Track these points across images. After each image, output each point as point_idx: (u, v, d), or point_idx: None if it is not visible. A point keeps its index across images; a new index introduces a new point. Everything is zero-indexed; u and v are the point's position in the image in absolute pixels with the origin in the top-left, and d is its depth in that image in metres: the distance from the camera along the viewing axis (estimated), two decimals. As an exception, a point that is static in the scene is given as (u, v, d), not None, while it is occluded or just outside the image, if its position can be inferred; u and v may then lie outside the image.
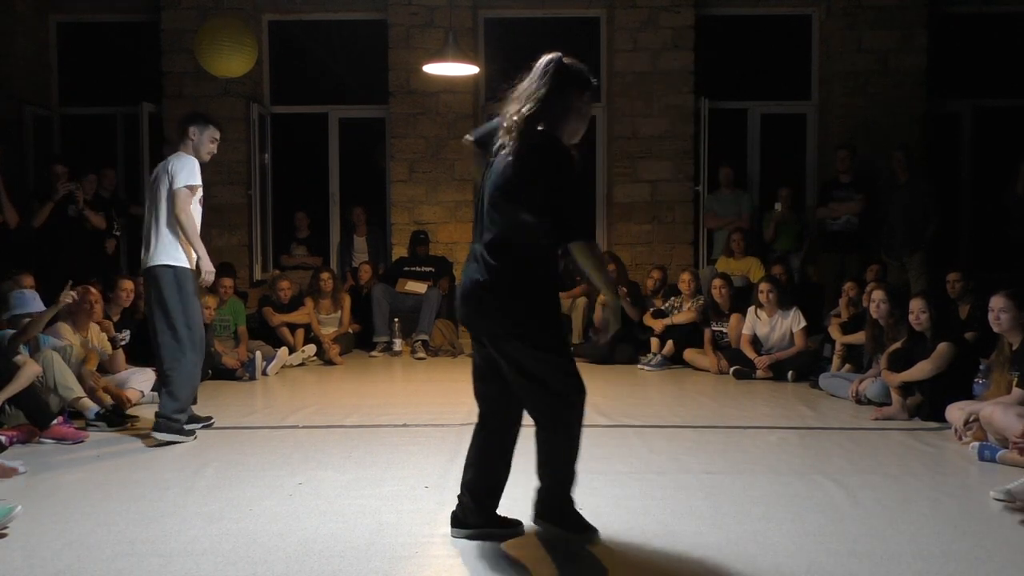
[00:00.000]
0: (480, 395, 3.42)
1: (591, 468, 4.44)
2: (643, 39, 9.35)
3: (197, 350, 5.05)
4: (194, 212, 5.04)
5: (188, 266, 5.01)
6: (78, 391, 5.38)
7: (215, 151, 5.22)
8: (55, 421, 5.10)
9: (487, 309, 3.23)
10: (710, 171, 9.28)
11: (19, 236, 7.47)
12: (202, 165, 5.06)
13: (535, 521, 3.42)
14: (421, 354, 8.29)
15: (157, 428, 4.92)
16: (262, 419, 5.70)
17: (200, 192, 5.10)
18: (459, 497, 3.44)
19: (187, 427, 5.04)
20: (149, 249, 5.00)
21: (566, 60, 3.29)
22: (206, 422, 5.31)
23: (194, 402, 5.29)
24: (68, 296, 5.44)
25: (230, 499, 3.91)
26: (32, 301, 5.51)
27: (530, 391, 3.25)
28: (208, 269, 5.06)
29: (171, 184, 4.94)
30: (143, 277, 5.16)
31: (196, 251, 5.01)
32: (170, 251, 4.96)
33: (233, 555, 3.24)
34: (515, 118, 3.22)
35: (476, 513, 3.39)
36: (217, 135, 5.20)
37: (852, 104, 9.22)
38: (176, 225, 4.94)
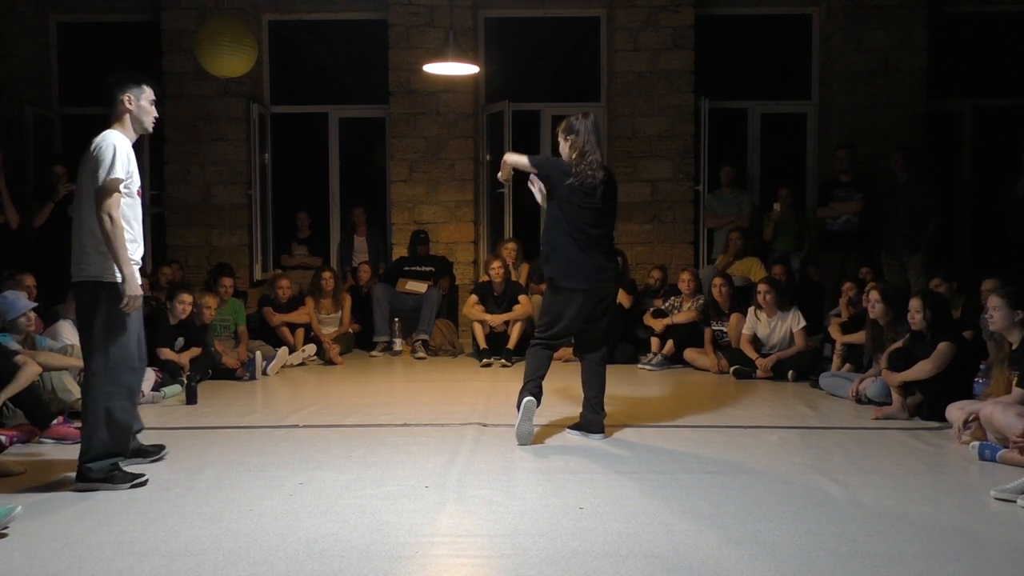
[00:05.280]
0: None
1: (592, 468, 4.45)
2: (643, 39, 9.35)
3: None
4: (126, 211, 4.11)
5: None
6: (77, 392, 5.39)
7: (156, 114, 4.31)
8: (55, 421, 5.10)
9: None
10: (710, 171, 9.29)
11: (19, 236, 7.46)
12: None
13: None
14: (421, 354, 8.30)
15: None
16: (262, 419, 5.69)
17: (136, 183, 4.17)
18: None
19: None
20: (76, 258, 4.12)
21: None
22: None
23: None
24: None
25: (231, 499, 3.91)
26: (17, 303, 5.50)
27: None
28: (131, 292, 4.04)
29: (95, 175, 4.02)
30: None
31: (119, 264, 4.03)
32: (98, 262, 4.08)
33: (234, 555, 3.24)
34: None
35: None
36: (153, 95, 4.26)
37: (852, 104, 9.22)
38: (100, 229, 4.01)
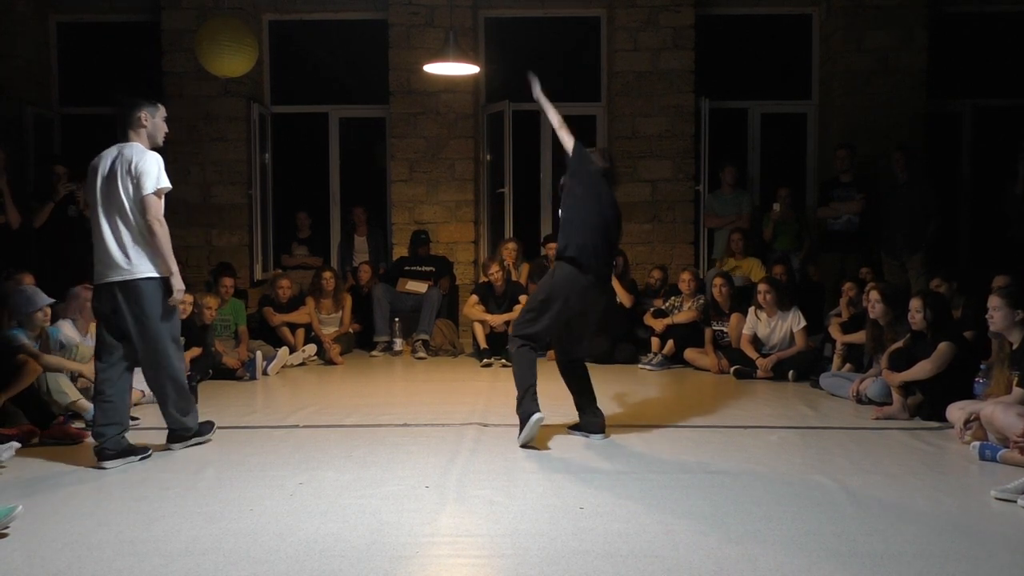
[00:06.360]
0: None
1: (592, 468, 4.45)
2: (643, 39, 9.36)
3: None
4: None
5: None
6: (72, 395, 5.39)
7: (167, 130, 4.80)
8: (55, 421, 5.10)
9: None
10: (710, 171, 9.29)
11: (19, 236, 7.47)
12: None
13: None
14: (421, 354, 8.30)
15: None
16: (262, 419, 5.70)
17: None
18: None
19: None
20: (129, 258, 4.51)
21: None
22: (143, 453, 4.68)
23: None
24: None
25: (231, 499, 3.92)
26: (36, 297, 5.50)
27: None
28: (180, 287, 4.61)
29: (138, 184, 4.45)
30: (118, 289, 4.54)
31: (168, 263, 4.56)
32: (156, 260, 4.54)
33: (234, 555, 3.24)
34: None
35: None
36: (165, 113, 4.76)
37: (852, 104, 9.22)
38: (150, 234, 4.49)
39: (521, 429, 4.79)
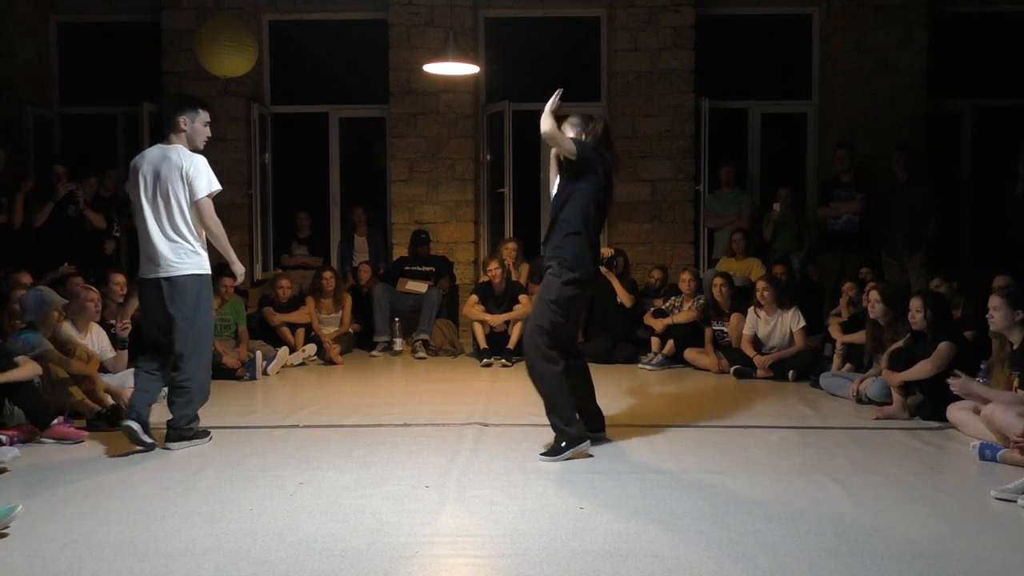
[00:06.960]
0: None
1: (592, 468, 4.45)
2: (643, 39, 9.36)
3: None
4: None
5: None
6: (77, 395, 5.39)
7: (209, 134, 4.90)
8: (55, 421, 5.10)
9: None
10: (710, 171, 9.29)
11: (19, 236, 7.47)
12: None
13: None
14: (421, 354, 8.30)
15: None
16: (262, 419, 5.70)
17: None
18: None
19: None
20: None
21: None
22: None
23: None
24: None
25: (231, 499, 3.92)
26: (52, 297, 5.50)
27: None
28: (240, 270, 5.15)
29: (191, 189, 4.68)
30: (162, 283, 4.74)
31: (229, 255, 4.99)
32: (198, 257, 4.80)
33: (234, 555, 3.24)
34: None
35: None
36: (208, 117, 4.86)
37: (852, 104, 9.22)
38: (203, 231, 4.81)
39: (565, 447, 4.56)
